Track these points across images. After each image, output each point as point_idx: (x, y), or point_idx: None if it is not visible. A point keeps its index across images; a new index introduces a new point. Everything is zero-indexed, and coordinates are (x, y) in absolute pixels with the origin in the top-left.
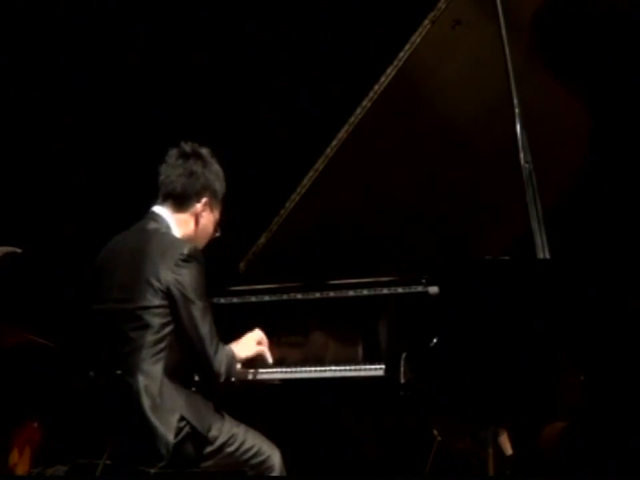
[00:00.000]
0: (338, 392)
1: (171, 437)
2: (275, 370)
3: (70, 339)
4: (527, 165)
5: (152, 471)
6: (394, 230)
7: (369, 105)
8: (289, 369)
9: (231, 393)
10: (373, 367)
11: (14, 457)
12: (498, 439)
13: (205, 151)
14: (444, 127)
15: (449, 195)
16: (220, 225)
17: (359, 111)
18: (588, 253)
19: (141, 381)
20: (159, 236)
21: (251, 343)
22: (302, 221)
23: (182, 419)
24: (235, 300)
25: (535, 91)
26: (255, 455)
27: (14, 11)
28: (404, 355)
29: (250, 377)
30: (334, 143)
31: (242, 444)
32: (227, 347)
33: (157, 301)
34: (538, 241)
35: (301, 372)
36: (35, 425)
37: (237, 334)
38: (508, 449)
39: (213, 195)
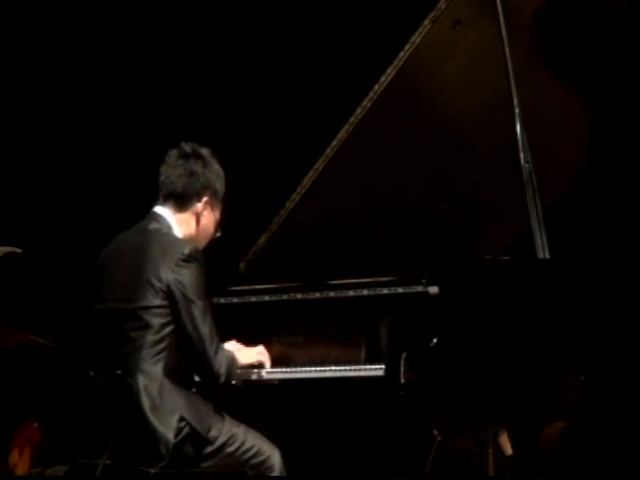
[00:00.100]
0: (338, 392)
1: (171, 437)
2: (275, 370)
3: (70, 339)
4: (527, 165)
5: (152, 471)
6: (394, 230)
7: (369, 105)
8: (288, 369)
9: (231, 393)
10: (372, 366)
11: (14, 457)
12: (498, 438)
13: (205, 151)
14: (444, 126)
15: (449, 195)
16: (220, 224)
17: (358, 111)
18: (588, 253)
19: (141, 381)
20: (160, 236)
21: (252, 352)
22: (302, 220)
23: (181, 419)
24: (235, 300)
25: (535, 91)
26: (255, 455)
27: (14, 11)
28: (404, 355)
29: (250, 377)
30: (334, 142)
31: (242, 444)
32: (227, 349)
33: (157, 301)
34: (538, 241)
35: (301, 372)
36: (35, 424)
37: (236, 334)
38: (508, 449)
39: (213, 194)
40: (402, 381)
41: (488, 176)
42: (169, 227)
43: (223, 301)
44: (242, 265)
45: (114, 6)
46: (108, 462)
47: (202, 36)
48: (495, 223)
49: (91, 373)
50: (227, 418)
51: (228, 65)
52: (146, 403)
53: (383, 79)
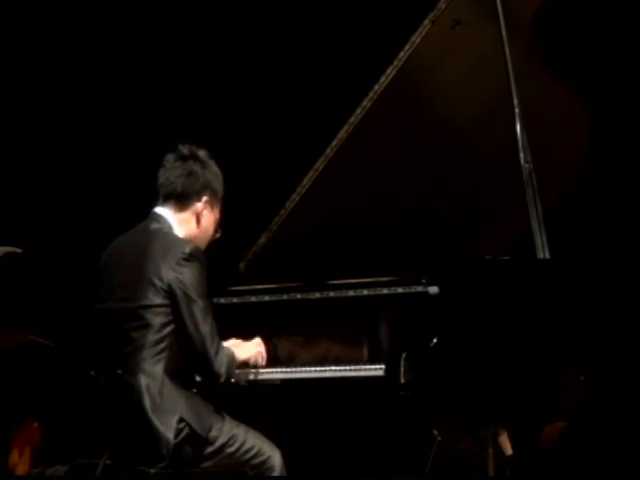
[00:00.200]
0: (338, 392)
1: (171, 437)
2: (275, 370)
3: (70, 339)
4: (527, 165)
5: (152, 471)
6: (394, 230)
7: (369, 105)
8: (288, 369)
9: (231, 393)
10: (373, 366)
11: (14, 457)
12: (498, 438)
13: (202, 153)
14: (444, 127)
15: (449, 195)
16: (220, 225)
17: (358, 111)
18: (588, 253)
19: (142, 380)
20: (162, 235)
21: (250, 346)
22: (302, 220)
23: (181, 420)
24: (235, 300)
25: (535, 91)
26: (255, 456)
27: (14, 11)
28: (404, 355)
29: (250, 377)
30: (334, 142)
31: (242, 444)
32: (226, 348)
33: (158, 300)
34: (538, 241)
35: (301, 372)
36: (35, 424)
37: (237, 334)
38: (508, 449)
39: (213, 193)
40: (402, 380)
41: (488, 176)
42: (170, 227)
43: (222, 300)
44: (242, 265)
45: (114, 6)
46: (108, 462)
47: (202, 36)
48: (495, 222)
49: (92, 373)
50: (227, 418)
51: (228, 65)
52: (147, 402)
53: (383, 78)
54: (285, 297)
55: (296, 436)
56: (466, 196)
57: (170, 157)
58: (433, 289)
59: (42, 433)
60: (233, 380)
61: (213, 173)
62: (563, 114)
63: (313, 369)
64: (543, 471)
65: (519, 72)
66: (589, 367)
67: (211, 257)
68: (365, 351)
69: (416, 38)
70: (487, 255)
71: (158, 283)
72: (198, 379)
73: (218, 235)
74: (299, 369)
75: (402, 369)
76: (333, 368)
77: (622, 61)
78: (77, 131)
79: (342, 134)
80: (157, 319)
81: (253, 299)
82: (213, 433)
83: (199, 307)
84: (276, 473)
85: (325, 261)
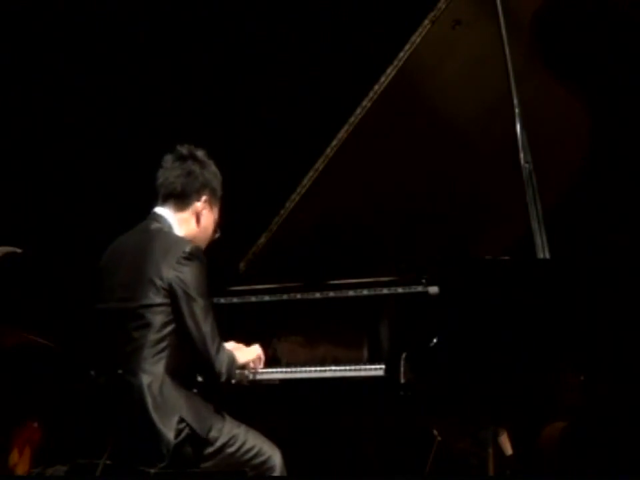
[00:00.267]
0: (338, 392)
1: (171, 437)
2: (275, 370)
3: (70, 339)
4: (527, 165)
5: (152, 471)
6: (394, 230)
7: (369, 105)
8: (289, 369)
9: (232, 394)
10: (373, 366)
11: (14, 456)
12: (498, 438)
13: (201, 153)
14: (444, 127)
15: (449, 195)
16: (219, 225)
17: (358, 111)
18: (588, 253)
19: (144, 379)
20: (162, 235)
21: (250, 351)
22: (302, 220)
23: (182, 420)
24: (235, 300)
25: (535, 91)
26: (255, 456)
27: (14, 11)
28: (404, 355)
29: (250, 377)
30: (334, 142)
31: (243, 444)
32: (227, 348)
33: (159, 299)
34: (538, 241)
35: (300, 372)
36: (35, 424)
37: (236, 334)
38: (508, 449)
39: (212, 193)
40: (402, 380)
41: (488, 176)
42: (170, 227)
43: (223, 300)
44: (242, 265)
45: (114, 6)
46: (108, 462)
47: (202, 36)
48: (495, 222)
49: (92, 373)
50: (228, 418)
51: (228, 65)
52: (150, 401)
53: (383, 78)
54: (285, 297)
55: (296, 436)
56: (466, 196)
57: (168, 158)
58: (433, 289)
59: (42, 432)
60: (233, 381)
61: (212, 173)
62: (563, 114)
63: (313, 369)
64: (542, 470)
65: (519, 72)
66: (589, 367)
67: (211, 257)
68: (365, 351)
69: (416, 38)
70: (486, 255)
71: (158, 282)
72: (199, 378)
73: (217, 235)
74: (299, 369)
75: (402, 369)
76: (333, 368)
77: (622, 60)
78: (77, 131)
79: (342, 134)
80: (157, 318)
81: (253, 299)
82: (213, 433)
83: (199, 306)
84: (276, 473)
85: (324, 260)
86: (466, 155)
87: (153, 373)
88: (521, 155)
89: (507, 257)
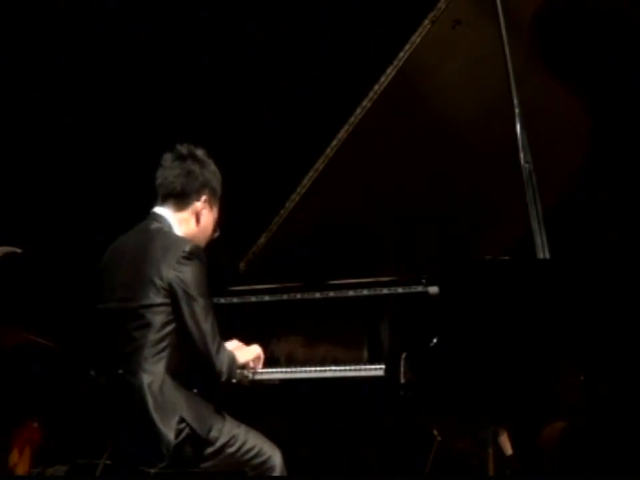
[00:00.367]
0: (338, 392)
1: (171, 437)
2: (274, 370)
3: (70, 339)
4: (527, 165)
5: (152, 471)
6: (394, 230)
7: (369, 105)
8: (288, 369)
9: (232, 394)
10: (372, 367)
11: (14, 457)
12: (498, 439)
13: (200, 152)
14: (444, 127)
15: (449, 195)
16: (219, 224)
17: (358, 111)
18: (588, 253)
19: (145, 378)
20: (162, 235)
21: (250, 350)
22: (302, 220)
23: (182, 420)
24: (235, 300)
25: (535, 91)
26: (256, 456)
27: (14, 11)
28: (404, 355)
29: (250, 377)
30: (334, 142)
31: (243, 444)
32: (227, 348)
33: (159, 299)
34: (538, 241)
35: (300, 372)
36: (35, 424)
37: (237, 334)
38: (508, 449)
39: (212, 192)
40: (402, 381)
41: (488, 176)
42: (170, 227)
43: (223, 300)
44: (242, 265)
45: (114, 6)
46: (108, 462)
47: (202, 36)
48: (495, 222)
49: (92, 373)
50: (228, 418)
51: (228, 65)
52: (150, 401)
53: (383, 78)
54: (285, 296)
55: (296, 436)
56: (466, 196)
57: (168, 157)
58: (433, 289)
59: (42, 432)
60: (234, 380)
61: (212, 172)
62: (563, 114)
63: (313, 369)
64: (543, 470)
65: (519, 72)
66: (589, 367)
67: (211, 257)
68: (365, 351)
69: (416, 38)
70: (487, 255)
71: (158, 282)
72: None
73: (217, 235)
74: (299, 369)
75: (402, 369)
76: (333, 368)
77: (622, 60)
78: (77, 131)
79: (342, 134)
80: (157, 318)
81: (253, 298)
82: (214, 434)
83: (199, 306)
84: (276, 473)
85: (325, 260)
86: (466, 155)
87: (153, 372)
88: (521, 155)
89: (506, 257)
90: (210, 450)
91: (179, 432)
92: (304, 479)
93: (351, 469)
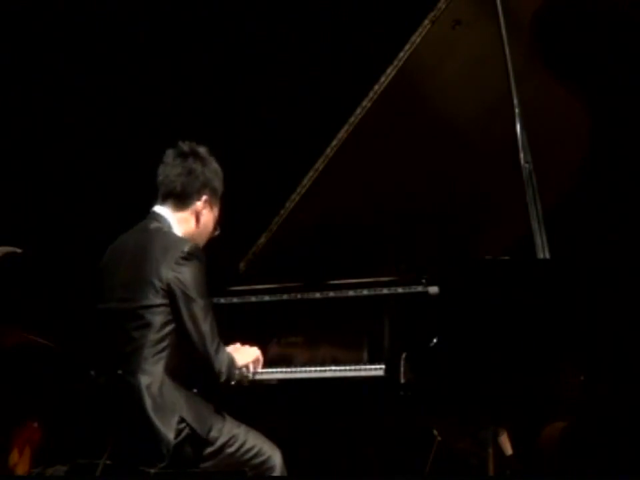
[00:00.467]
0: (338, 392)
1: (171, 437)
2: (274, 370)
3: (70, 339)
4: (527, 165)
5: (152, 471)
6: (394, 230)
7: (369, 105)
8: (288, 369)
9: (231, 394)
10: (372, 367)
11: (14, 456)
12: (498, 438)
13: (202, 150)
14: (444, 127)
15: (449, 195)
16: (219, 223)
17: (358, 111)
18: (588, 253)
19: (143, 380)
20: (161, 235)
21: (249, 352)
22: (302, 220)
23: (181, 420)
24: (235, 300)
25: (535, 91)
26: (255, 456)
27: (14, 11)
28: (404, 355)
29: (250, 377)
30: (334, 142)
31: (243, 444)
32: (227, 350)
33: (158, 300)
34: (538, 241)
35: (300, 372)
36: (35, 424)
37: (237, 334)
38: (508, 449)
39: (212, 192)
40: (402, 380)
41: (488, 176)
42: (169, 226)
43: (223, 300)
44: (242, 265)
45: (114, 6)
46: (108, 462)
47: (202, 36)
48: (495, 222)
49: (92, 373)
50: (228, 418)
51: (228, 65)
52: (148, 402)
53: (383, 78)
54: (285, 297)
55: (296, 436)
56: (466, 196)
57: (170, 153)
58: (433, 289)
59: (42, 432)
60: (233, 382)
61: (213, 171)
62: (563, 114)
63: (313, 369)
64: (543, 470)
65: (519, 72)
66: (589, 367)
67: (211, 257)
68: (365, 351)
69: (416, 38)
70: (487, 255)
71: (157, 282)
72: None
73: (217, 233)
74: (299, 369)
75: (402, 369)
76: (333, 368)
77: (622, 60)
78: (77, 131)
79: (342, 134)
80: (157, 319)
81: (253, 299)
82: (213, 434)
83: (198, 306)
84: (276, 473)
85: (325, 260)
86: (466, 154)
87: (153, 373)
88: (521, 155)
89: (507, 257)
90: (210, 450)
91: (178, 432)
92: (304, 479)
93: (351, 468)
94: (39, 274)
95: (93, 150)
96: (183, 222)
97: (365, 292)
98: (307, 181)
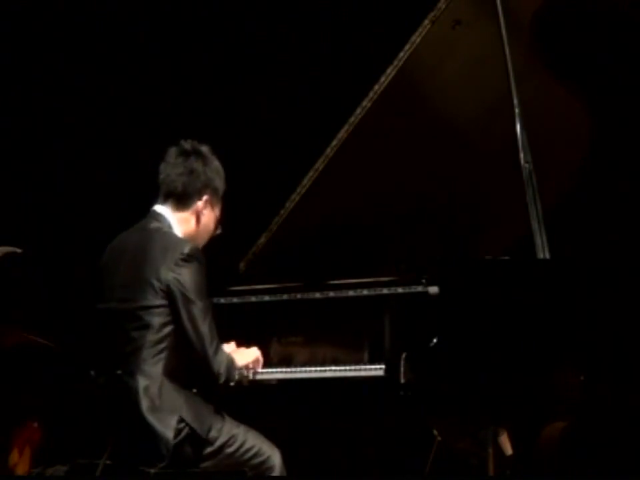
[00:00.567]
0: (338, 392)
1: (171, 437)
2: (274, 370)
3: (70, 339)
4: (527, 165)
5: (152, 471)
6: (394, 230)
7: (369, 105)
8: (288, 369)
9: (231, 394)
10: (372, 367)
11: (14, 456)
12: (498, 439)
13: (204, 149)
14: (444, 127)
15: (449, 195)
16: (220, 222)
17: (358, 111)
18: (588, 253)
19: (141, 381)
20: (161, 235)
21: (248, 353)
22: (302, 221)
23: (181, 420)
24: (235, 300)
25: (535, 91)
26: (255, 456)
27: (14, 11)
28: (404, 355)
29: (250, 377)
30: (334, 142)
31: (242, 444)
32: (226, 351)
33: (157, 301)
34: (538, 241)
35: (300, 372)
36: (35, 424)
37: (236, 334)
38: (508, 449)
39: (213, 192)
40: (402, 380)
41: (488, 176)
42: (169, 226)
43: (223, 300)
44: (242, 265)
45: (114, 6)
46: (108, 462)
47: (202, 36)
48: (495, 222)
49: (92, 373)
50: (227, 418)
51: (228, 65)
52: (144, 404)
53: (383, 78)
54: (285, 297)
55: (296, 436)
56: (466, 196)
57: (172, 152)
58: (433, 289)
59: (42, 432)
60: (232, 383)
61: (215, 171)
62: (563, 114)
63: (313, 369)
64: (542, 471)
65: (519, 72)
66: (589, 367)
67: (211, 257)
68: (365, 351)
69: (416, 38)
70: (487, 255)
71: (156, 283)
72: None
73: (219, 232)
74: (298, 369)
75: (402, 369)
76: (333, 368)
77: (622, 60)
78: (77, 131)
79: (342, 134)
80: (156, 320)
81: (253, 299)
82: (213, 433)
83: (197, 308)
84: (276, 473)
85: (325, 260)
86: (466, 154)
87: (152, 374)
88: (521, 155)
89: (506, 257)
90: (209, 450)
91: (178, 432)
92: (304, 479)
93: (351, 468)
94: (38, 274)
95: (93, 149)
96: (183, 222)
97: (365, 292)
98: (307, 181)
